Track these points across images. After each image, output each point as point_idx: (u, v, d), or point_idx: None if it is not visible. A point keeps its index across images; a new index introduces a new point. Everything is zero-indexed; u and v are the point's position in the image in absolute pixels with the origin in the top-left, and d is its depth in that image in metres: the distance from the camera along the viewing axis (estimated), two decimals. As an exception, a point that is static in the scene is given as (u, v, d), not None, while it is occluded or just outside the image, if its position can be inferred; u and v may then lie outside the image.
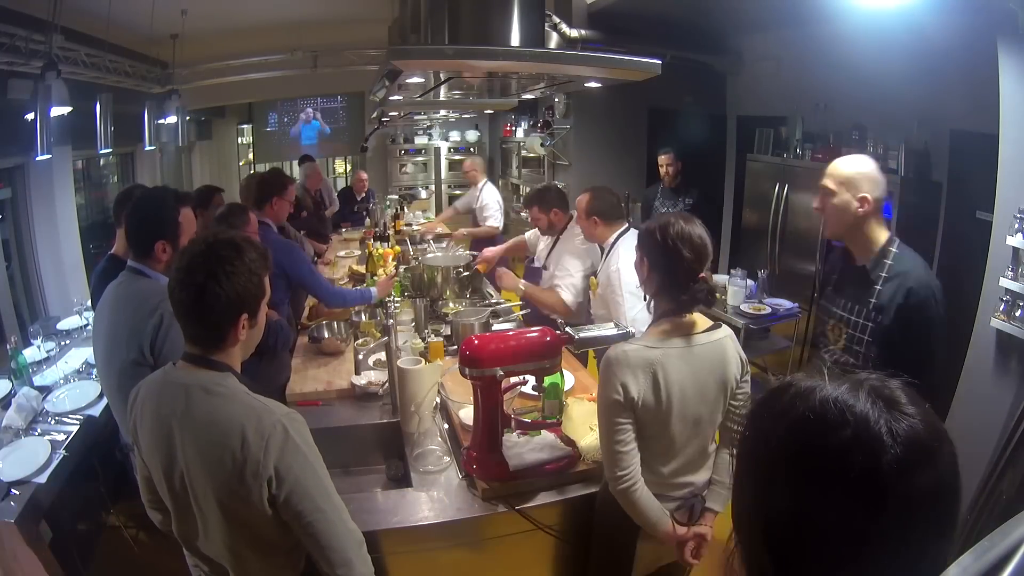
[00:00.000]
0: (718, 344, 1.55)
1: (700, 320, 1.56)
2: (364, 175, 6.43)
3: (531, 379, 1.80)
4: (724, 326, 1.59)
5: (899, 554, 0.50)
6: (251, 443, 1.17)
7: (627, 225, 2.73)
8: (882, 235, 1.82)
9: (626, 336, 1.75)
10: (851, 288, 1.90)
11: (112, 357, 1.83)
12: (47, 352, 3.04)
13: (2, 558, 1.86)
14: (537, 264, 3.25)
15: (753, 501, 0.56)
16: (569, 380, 2.33)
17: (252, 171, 7.40)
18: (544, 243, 3.27)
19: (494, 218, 4.99)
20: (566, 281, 2.87)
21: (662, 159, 4.59)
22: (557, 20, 4.17)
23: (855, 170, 1.78)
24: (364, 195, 6.27)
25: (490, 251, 3.61)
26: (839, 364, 1.96)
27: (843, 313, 1.91)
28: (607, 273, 2.60)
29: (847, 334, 1.91)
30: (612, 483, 1.50)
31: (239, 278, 1.21)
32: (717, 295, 1.56)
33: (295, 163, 8.64)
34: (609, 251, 2.67)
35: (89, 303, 3.78)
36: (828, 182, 1.82)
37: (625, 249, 2.55)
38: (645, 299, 1.63)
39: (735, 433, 1.62)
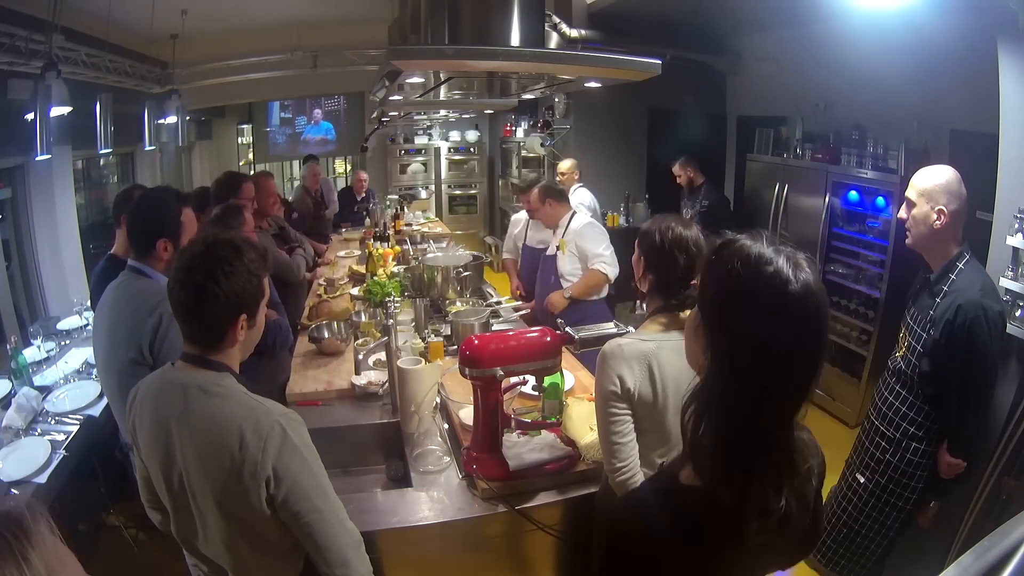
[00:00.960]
0: None
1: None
2: (364, 175, 6.43)
3: (531, 379, 1.80)
4: None
5: (791, 358, 0.81)
6: (249, 443, 1.17)
7: (572, 209, 3.51)
8: (952, 249, 1.82)
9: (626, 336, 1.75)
10: (921, 299, 1.92)
11: (111, 357, 1.83)
12: (47, 352, 3.04)
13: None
14: (530, 244, 3.77)
15: (713, 297, 0.86)
16: (569, 380, 2.33)
17: (252, 171, 7.40)
18: (524, 226, 3.92)
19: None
20: (600, 259, 3.27)
21: (674, 169, 4.92)
22: (557, 20, 4.16)
23: (935, 182, 1.78)
24: (364, 195, 6.27)
25: (556, 295, 3.36)
26: (892, 372, 2.00)
27: (910, 322, 1.93)
28: (572, 235, 3.34)
29: (908, 343, 1.93)
30: (611, 475, 1.51)
31: (238, 279, 1.21)
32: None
33: (295, 163, 8.70)
34: (568, 224, 3.40)
35: (89, 303, 3.79)
36: (910, 193, 1.83)
37: (583, 216, 3.48)
38: (638, 292, 1.66)
39: None
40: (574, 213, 3.46)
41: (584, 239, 3.30)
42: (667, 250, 1.52)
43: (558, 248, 3.42)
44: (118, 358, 1.79)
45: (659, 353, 1.48)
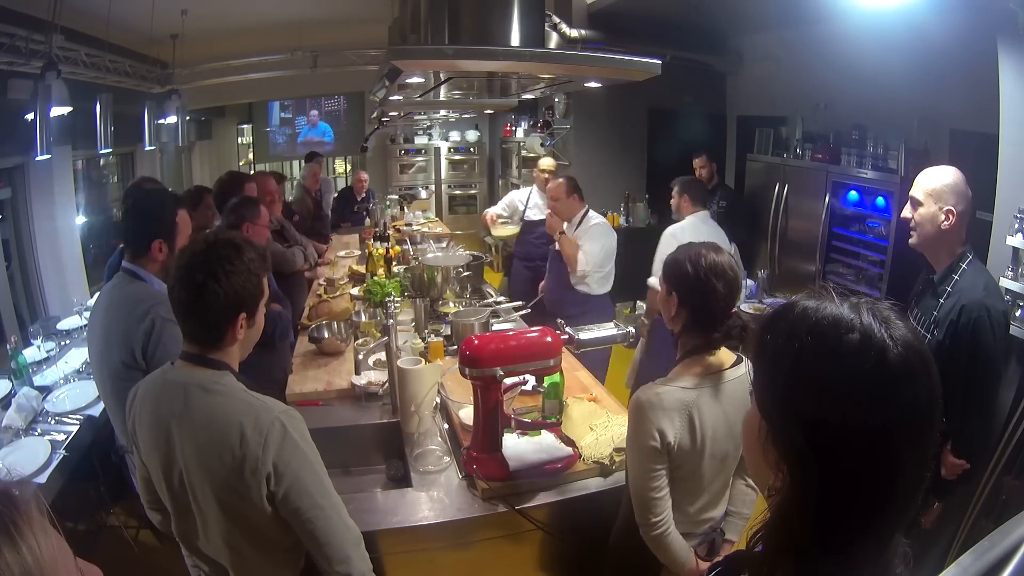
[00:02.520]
0: (744, 379, 1.48)
1: (726, 356, 1.49)
2: (364, 175, 6.43)
3: (531, 379, 1.80)
4: (745, 359, 1.52)
5: (901, 453, 0.60)
6: (250, 440, 1.17)
7: (586, 206, 3.50)
8: (956, 249, 1.81)
9: (626, 336, 1.75)
10: (925, 299, 1.91)
11: (105, 360, 1.83)
12: (47, 352, 3.04)
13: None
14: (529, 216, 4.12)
15: (783, 393, 0.64)
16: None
17: (252, 171, 7.40)
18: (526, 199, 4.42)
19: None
20: (588, 255, 3.31)
21: (696, 162, 4.75)
22: (557, 20, 4.17)
23: (943, 183, 1.77)
24: (364, 195, 6.27)
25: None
26: None
27: (914, 323, 1.92)
28: (585, 230, 3.36)
29: None
30: (645, 529, 1.43)
31: (238, 277, 1.21)
32: (751, 331, 1.49)
33: (295, 163, 8.70)
34: (580, 222, 3.41)
35: (89, 302, 3.79)
36: (916, 192, 1.82)
37: (595, 217, 3.44)
38: (672, 334, 1.54)
39: None
40: (588, 210, 3.47)
41: (588, 236, 3.33)
42: (703, 279, 1.39)
43: None
44: (111, 361, 1.79)
45: (699, 401, 1.40)
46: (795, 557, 0.62)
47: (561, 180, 3.50)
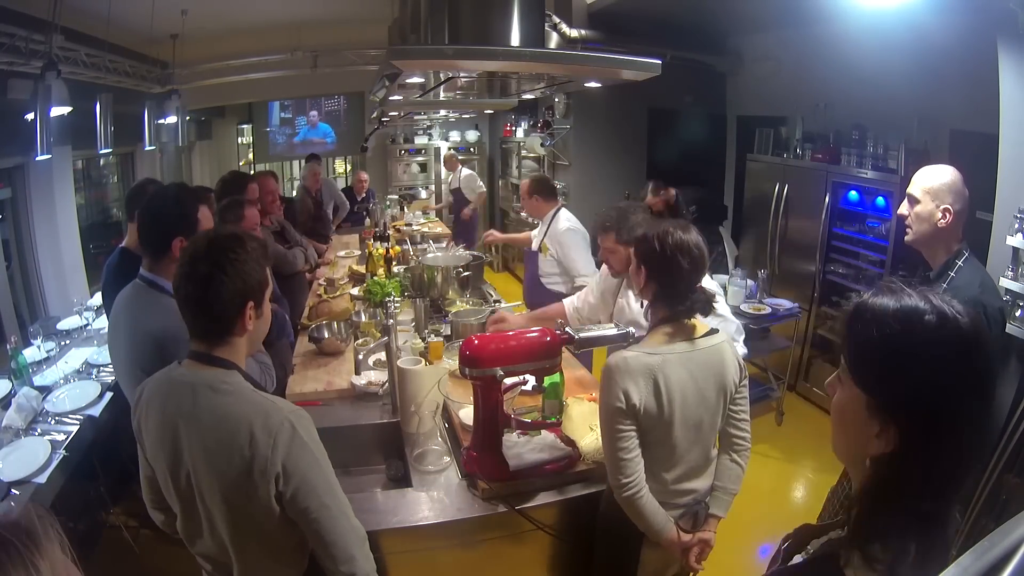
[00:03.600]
0: (716, 349, 1.54)
1: (699, 325, 1.56)
2: (364, 175, 6.44)
3: (531, 379, 1.80)
4: (721, 331, 1.59)
5: (977, 407, 0.73)
6: (259, 440, 1.17)
7: (560, 204, 3.53)
8: (953, 247, 1.82)
9: (625, 336, 1.75)
10: None
11: (135, 365, 1.69)
12: (47, 352, 3.04)
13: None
14: (533, 249, 3.65)
15: (885, 369, 0.75)
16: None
17: (252, 171, 7.40)
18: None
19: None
20: (583, 278, 3.15)
21: (649, 200, 4.03)
22: (557, 20, 4.17)
23: (941, 181, 1.78)
24: (364, 195, 6.27)
25: (496, 233, 4.30)
26: None
27: None
28: (556, 238, 3.32)
29: None
30: (617, 490, 1.50)
31: (244, 266, 1.22)
32: (715, 304, 1.57)
33: (296, 163, 8.70)
34: (551, 221, 3.41)
35: (89, 302, 3.80)
36: (914, 190, 1.82)
37: (564, 218, 3.40)
38: (639, 303, 1.63)
39: (736, 439, 1.63)
40: (558, 209, 3.47)
41: (566, 248, 3.28)
42: (669, 256, 1.49)
43: (539, 249, 3.46)
44: (143, 366, 1.62)
45: (665, 367, 1.46)
46: (904, 505, 0.73)
47: (526, 180, 3.64)
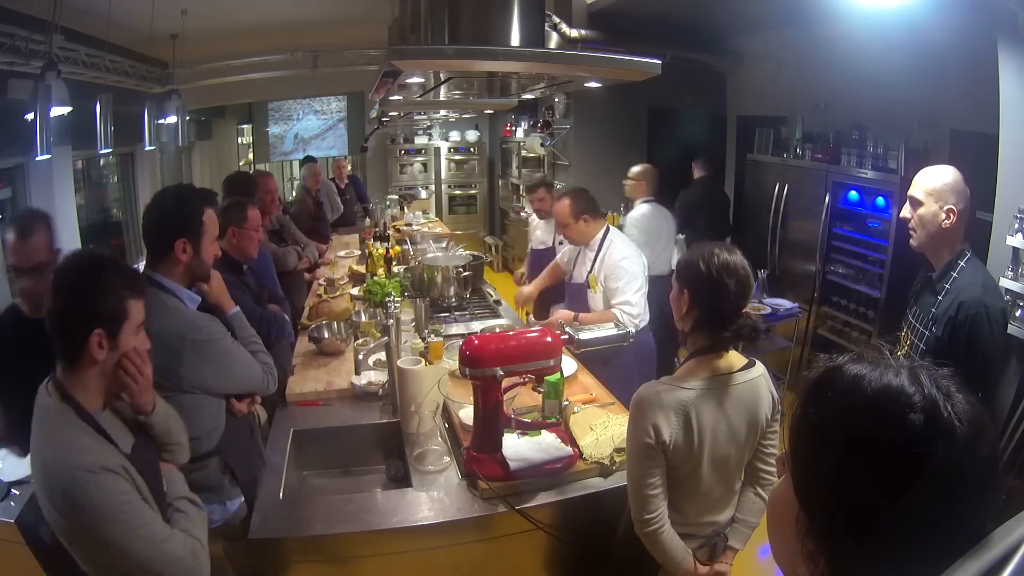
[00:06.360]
0: (753, 384, 1.47)
1: (735, 358, 1.49)
2: (344, 162, 6.43)
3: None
4: (758, 363, 1.51)
5: (961, 523, 0.53)
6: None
7: (606, 223, 2.83)
8: (957, 247, 1.82)
9: (625, 336, 1.75)
10: (923, 297, 1.92)
11: None
12: (47, 352, 3.03)
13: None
14: (577, 280, 2.90)
15: (828, 480, 0.55)
16: (570, 366, 2.33)
17: (252, 171, 7.40)
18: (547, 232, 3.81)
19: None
20: (625, 305, 2.62)
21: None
22: (557, 20, 4.17)
23: (943, 182, 1.78)
24: (347, 183, 6.25)
25: (526, 290, 3.27)
26: None
27: (912, 321, 1.93)
28: (611, 268, 2.66)
29: (910, 341, 1.93)
30: (639, 525, 1.44)
31: (94, 291, 1.18)
32: (761, 332, 1.49)
33: (296, 163, 8.69)
34: (600, 248, 2.74)
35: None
36: (916, 192, 1.82)
37: (619, 243, 2.73)
38: (680, 332, 1.52)
39: (763, 473, 1.56)
40: (607, 231, 2.78)
41: (621, 283, 2.63)
42: (716, 278, 1.39)
43: (588, 283, 2.79)
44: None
45: (698, 402, 1.39)
46: None
47: (566, 199, 2.77)
